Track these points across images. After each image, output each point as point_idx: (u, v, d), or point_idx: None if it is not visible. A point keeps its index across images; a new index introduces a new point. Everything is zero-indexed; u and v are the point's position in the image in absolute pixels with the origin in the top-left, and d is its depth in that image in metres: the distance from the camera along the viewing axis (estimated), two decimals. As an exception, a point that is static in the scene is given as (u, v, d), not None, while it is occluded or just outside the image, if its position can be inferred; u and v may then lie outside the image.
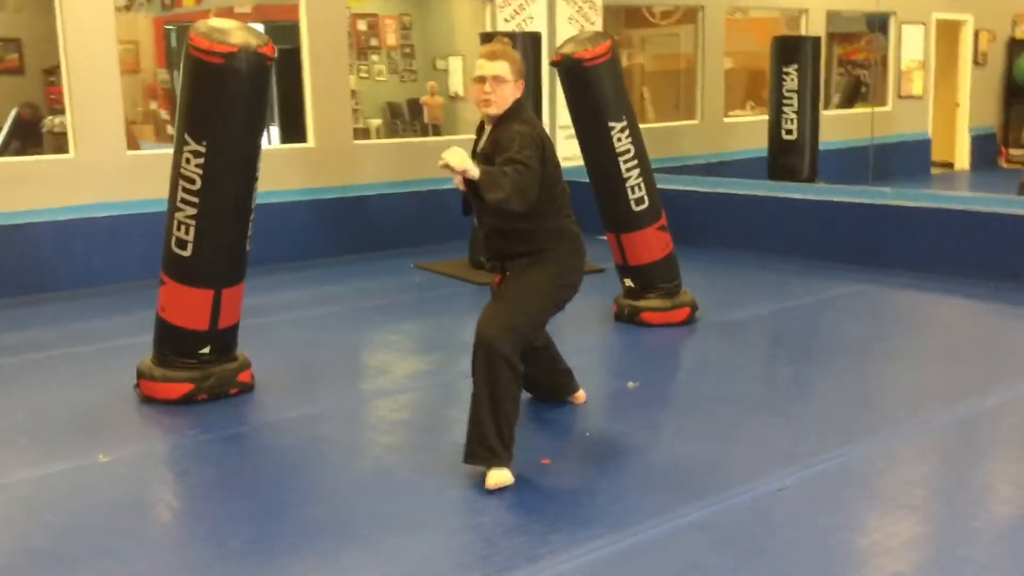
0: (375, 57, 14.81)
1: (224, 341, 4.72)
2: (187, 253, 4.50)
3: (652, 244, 5.92)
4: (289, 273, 7.54)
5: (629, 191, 5.79)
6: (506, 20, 9.20)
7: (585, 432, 4.31)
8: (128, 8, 12.09)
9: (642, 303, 5.97)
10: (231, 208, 4.50)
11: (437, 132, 12.99)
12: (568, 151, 8.11)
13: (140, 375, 4.70)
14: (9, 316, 6.35)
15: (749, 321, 6.19)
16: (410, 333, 6.22)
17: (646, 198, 5.83)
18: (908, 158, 12.77)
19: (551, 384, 4.44)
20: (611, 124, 5.69)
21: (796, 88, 9.75)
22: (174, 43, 12.41)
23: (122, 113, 7.38)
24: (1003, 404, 4.49)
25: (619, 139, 5.72)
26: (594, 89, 5.66)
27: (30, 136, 10.24)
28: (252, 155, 4.47)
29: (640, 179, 5.80)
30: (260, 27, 6.98)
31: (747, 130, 11.21)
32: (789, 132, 9.87)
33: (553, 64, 5.86)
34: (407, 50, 14.79)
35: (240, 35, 4.30)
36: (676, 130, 11.20)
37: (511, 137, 3.53)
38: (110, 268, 7.15)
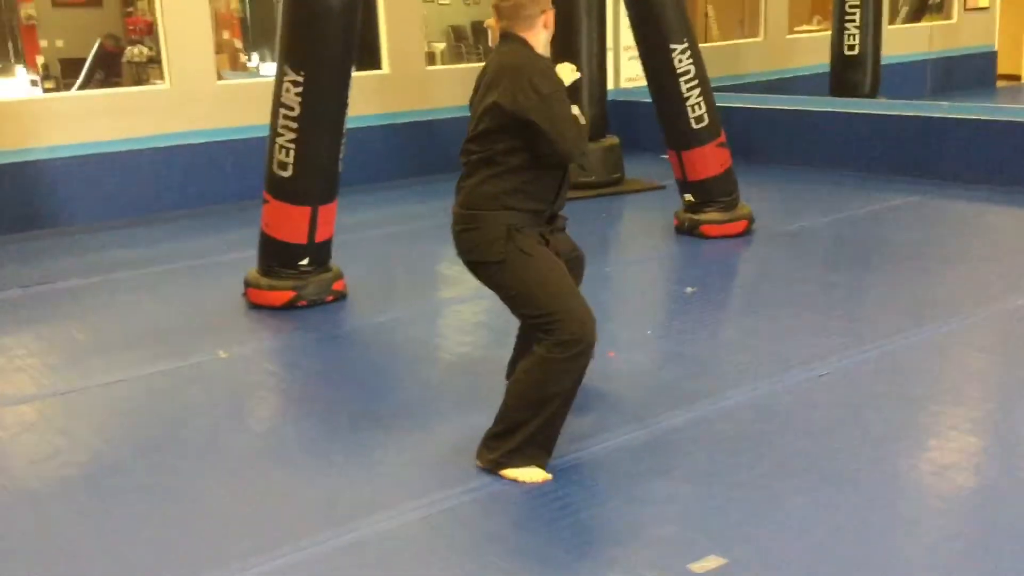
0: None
1: (321, 253, 5.24)
2: (288, 174, 5.00)
3: (711, 160, 6.27)
4: (368, 194, 8.03)
5: (689, 110, 6.14)
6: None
7: (647, 331, 4.75)
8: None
9: (701, 216, 6.34)
10: (326, 132, 4.97)
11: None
12: (632, 72, 8.40)
13: (247, 284, 5.26)
14: (125, 235, 6.96)
15: (805, 231, 6.54)
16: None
17: (706, 116, 6.17)
18: (973, 71, 12.76)
19: None
20: (672, 46, 6.02)
21: (858, 3, 9.85)
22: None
23: (212, 44, 7.86)
24: (1039, 303, 4.83)
25: (680, 60, 6.05)
26: (656, 12, 5.98)
27: (112, 67, 10.69)
28: (344, 83, 4.92)
29: (700, 98, 6.13)
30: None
31: (811, 46, 11.33)
32: (851, 48, 10.01)
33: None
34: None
35: (334, -29, 4.72)
36: (739, 48, 11.37)
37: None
38: (209, 190, 7.71)
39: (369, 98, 8.41)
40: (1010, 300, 4.87)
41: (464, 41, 14.61)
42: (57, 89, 10.07)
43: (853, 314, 4.89)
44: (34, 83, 10.71)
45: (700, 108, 6.14)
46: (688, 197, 6.43)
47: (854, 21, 9.92)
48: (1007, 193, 7.10)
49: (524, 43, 3.20)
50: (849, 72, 10.02)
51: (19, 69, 11.21)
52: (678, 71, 6.06)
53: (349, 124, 5.11)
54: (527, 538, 2.91)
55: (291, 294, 5.14)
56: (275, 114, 4.95)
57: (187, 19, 7.56)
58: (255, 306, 5.19)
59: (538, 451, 3.20)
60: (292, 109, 4.87)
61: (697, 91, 6.12)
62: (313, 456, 3.53)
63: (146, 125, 7.53)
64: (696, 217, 6.36)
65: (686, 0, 6.20)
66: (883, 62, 10.29)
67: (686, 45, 6.03)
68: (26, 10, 11.59)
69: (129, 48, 10.60)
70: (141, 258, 6.35)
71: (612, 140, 8.11)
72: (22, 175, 7.11)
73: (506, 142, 3.16)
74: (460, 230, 3.27)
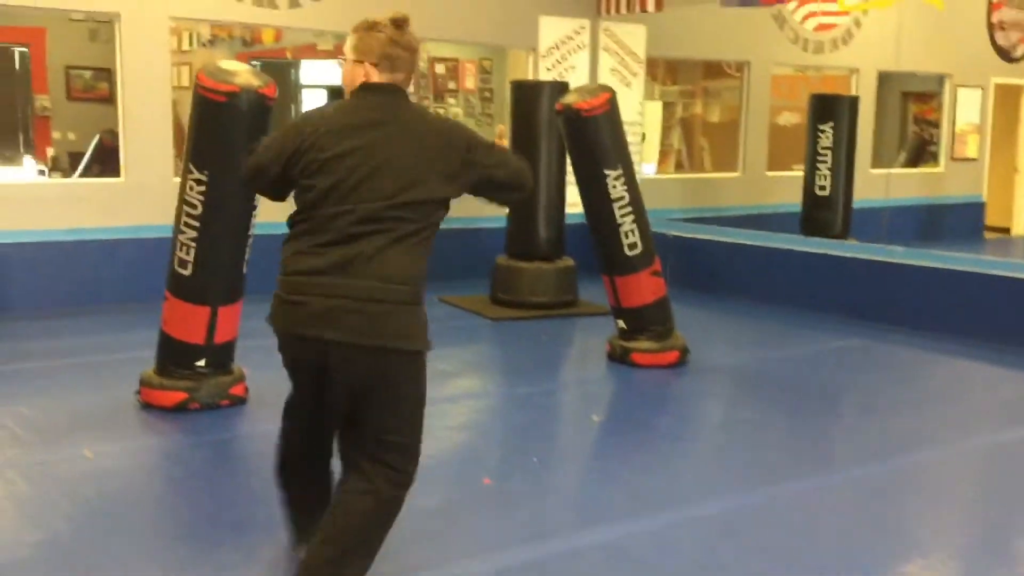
0: (452, 100, 15.33)
1: (220, 355, 5.11)
2: (187, 272, 4.91)
3: (644, 288, 6.16)
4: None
5: (623, 236, 6.05)
6: (548, 69, 9.57)
7: (534, 458, 4.55)
8: (211, 43, 12.82)
9: (633, 344, 6.19)
10: (229, 232, 4.90)
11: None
12: (571, 197, 8.39)
13: (142, 382, 5.12)
14: (55, 325, 6.88)
15: (739, 366, 6.37)
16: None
17: (639, 243, 6.08)
18: (962, 220, 12.71)
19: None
20: (606, 171, 5.98)
21: (831, 145, 9.88)
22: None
23: (171, 141, 7.93)
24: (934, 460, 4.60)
25: (614, 186, 6.00)
26: (591, 138, 5.96)
27: (109, 161, 10.89)
28: (250, 185, 4.86)
29: (634, 225, 6.06)
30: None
31: (789, 184, 11.34)
32: (822, 188, 10.00)
33: (556, 113, 6.18)
34: (487, 94, 15.26)
35: (244, 77, 4.73)
36: (718, 181, 11.43)
37: None
38: (153, 284, 7.64)
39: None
40: (914, 453, 4.65)
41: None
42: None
43: (747, 456, 4.66)
44: (41, 172, 10.89)
45: (633, 235, 6.06)
46: (621, 324, 6.29)
47: (826, 163, 9.93)
48: (953, 341, 6.90)
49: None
50: (820, 212, 9.99)
51: (26, 159, 11.41)
52: (612, 197, 6.01)
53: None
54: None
55: (183, 396, 4.99)
56: (179, 211, 4.90)
57: (147, 119, 7.65)
58: (147, 406, 5.04)
59: None
60: (195, 207, 4.82)
61: (631, 217, 6.05)
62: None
63: (96, 216, 7.55)
64: (628, 345, 6.21)
65: (621, 129, 6.14)
66: (872, 206, 10.28)
67: (620, 172, 5.99)
68: (42, 101, 11.90)
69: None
70: (60, 349, 6.25)
71: (567, 262, 8.04)
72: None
73: (440, 215, 2.80)
74: (390, 308, 2.66)
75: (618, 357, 6.25)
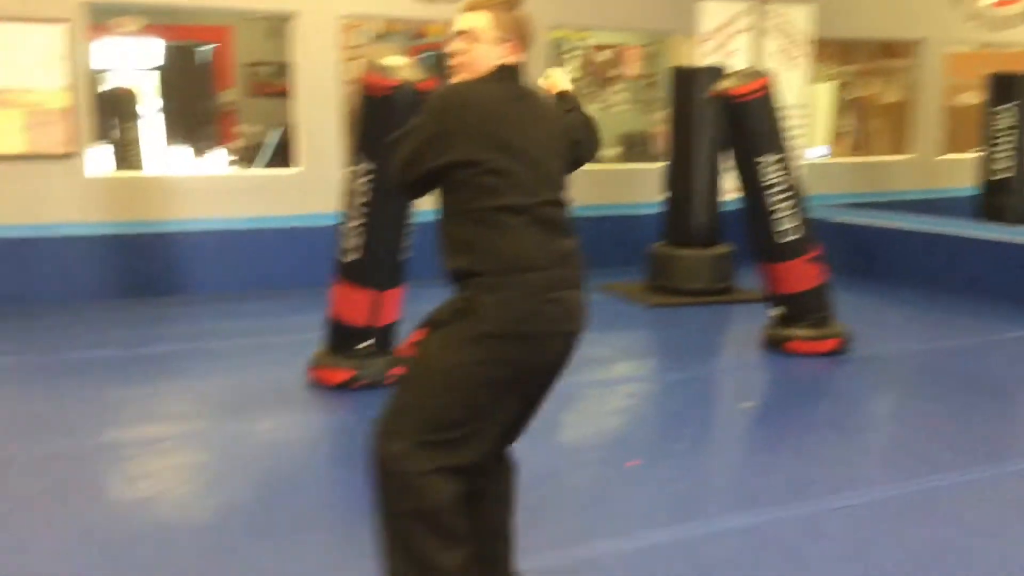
0: (616, 87, 15.35)
1: (384, 337, 5.39)
2: (353, 258, 5.20)
3: (802, 274, 6.08)
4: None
5: (779, 222, 6.00)
6: (709, 54, 9.48)
7: (683, 442, 4.60)
8: (382, 39, 13.31)
9: (789, 331, 6.13)
10: (393, 220, 5.16)
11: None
12: (728, 182, 8.31)
13: (312, 362, 5.46)
14: (235, 308, 7.39)
15: (904, 356, 6.20)
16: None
17: (797, 230, 6.01)
18: None
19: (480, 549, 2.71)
20: (763, 157, 5.93)
21: (1013, 126, 9.40)
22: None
23: (343, 133, 8.32)
24: None
25: (770, 172, 5.94)
26: (746, 124, 5.93)
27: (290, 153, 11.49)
28: (411, 175, 5.10)
29: (791, 211, 5.99)
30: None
31: (966, 167, 10.85)
32: (1001, 171, 9.52)
33: (709, 99, 6.17)
34: (650, 80, 15.20)
35: (405, 72, 4.97)
36: (890, 164, 11.05)
37: None
38: (324, 271, 8.07)
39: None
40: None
41: (636, 147, 14.82)
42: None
43: (908, 447, 4.57)
44: (227, 164, 11.62)
45: (790, 222, 5.99)
46: (777, 311, 6.23)
47: (1006, 145, 9.45)
48: None
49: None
50: (998, 196, 9.51)
51: (214, 152, 12.18)
52: (767, 183, 5.95)
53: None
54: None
55: (350, 374, 5.30)
56: (346, 200, 5.19)
57: (321, 112, 8.07)
58: (317, 384, 5.37)
59: None
60: (361, 197, 5.10)
61: (788, 204, 5.98)
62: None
63: (276, 206, 8.02)
64: (783, 332, 6.15)
65: (777, 115, 6.06)
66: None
67: (776, 157, 5.93)
68: (228, 96, 12.67)
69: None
70: (240, 330, 6.70)
71: (724, 249, 7.99)
72: (155, 245, 7.70)
73: None
74: (584, 301, 2.68)
75: (773, 344, 6.20)
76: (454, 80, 2.67)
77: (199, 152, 11.83)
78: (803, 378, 5.74)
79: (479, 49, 2.64)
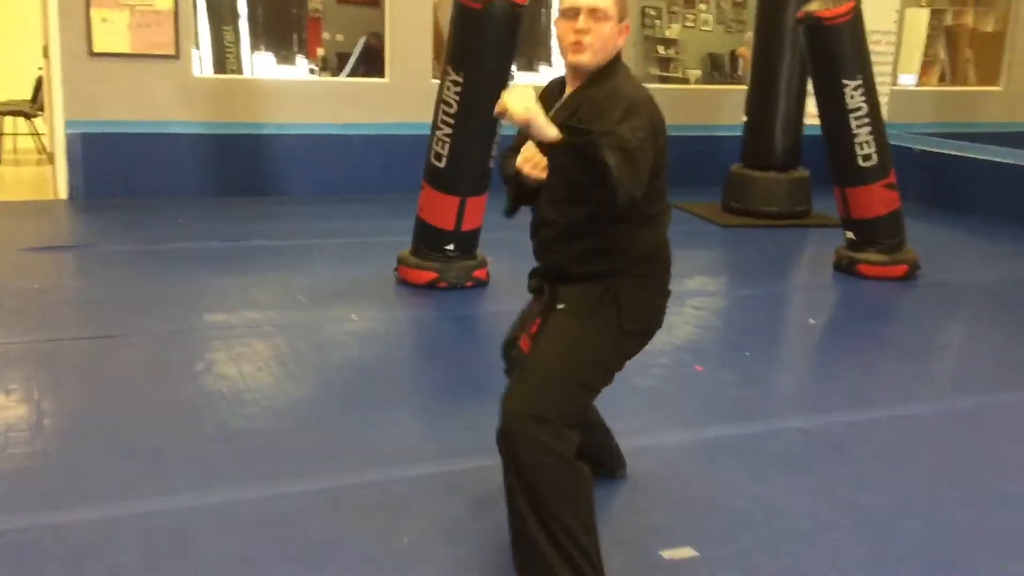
0: (703, 6, 15.17)
1: (467, 241, 5.67)
2: (441, 165, 5.47)
3: (876, 199, 6.18)
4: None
5: (858, 147, 6.09)
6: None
7: (746, 352, 4.82)
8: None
9: (861, 255, 6.26)
10: (480, 130, 5.40)
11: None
12: (810, 108, 8.34)
13: (399, 262, 5.78)
14: (324, 210, 7.74)
15: (973, 284, 6.30)
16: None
17: (875, 155, 6.10)
18: None
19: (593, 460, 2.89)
20: (845, 81, 6.00)
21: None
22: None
23: (431, 45, 8.53)
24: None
25: (852, 96, 6.02)
26: (831, 47, 5.99)
27: (374, 63, 11.73)
28: (500, 86, 5.30)
29: (870, 136, 6.07)
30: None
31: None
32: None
33: (797, 21, 6.23)
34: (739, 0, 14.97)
35: (499, -15, 5.15)
36: (976, 95, 10.89)
37: (613, 102, 2.40)
38: (412, 177, 8.37)
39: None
40: None
41: (720, 69, 14.69)
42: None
43: (969, 368, 4.74)
44: (312, 71, 11.88)
45: (869, 147, 6.08)
46: (849, 235, 6.36)
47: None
48: None
49: None
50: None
51: (299, 58, 12.44)
52: (849, 108, 6.03)
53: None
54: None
55: (434, 275, 5.61)
56: (436, 109, 5.44)
57: (410, 24, 8.27)
58: (403, 282, 5.70)
59: None
60: (451, 106, 5.34)
61: (867, 129, 6.06)
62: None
63: (364, 114, 8.31)
64: (855, 255, 6.29)
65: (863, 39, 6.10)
66: None
67: (860, 82, 6.00)
68: (314, 4, 12.87)
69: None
70: (331, 231, 7.06)
71: (802, 173, 8.07)
72: (251, 146, 8.06)
73: None
74: None
75: (845, 268, 6.34)
76: (577, 60, 2.49)
77: (282, 60, 12.08)
78: (871, 300, 5.89)
79: (608, 31, 2.49)
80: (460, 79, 5.27)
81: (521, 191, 2.60)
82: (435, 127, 5.47)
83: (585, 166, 2.20)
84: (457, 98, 5.31)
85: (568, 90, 2.59)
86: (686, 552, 2.88)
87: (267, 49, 11.86)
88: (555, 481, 2.43)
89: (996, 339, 5.19)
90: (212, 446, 3.50)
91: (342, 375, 4.32)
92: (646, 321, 2.65)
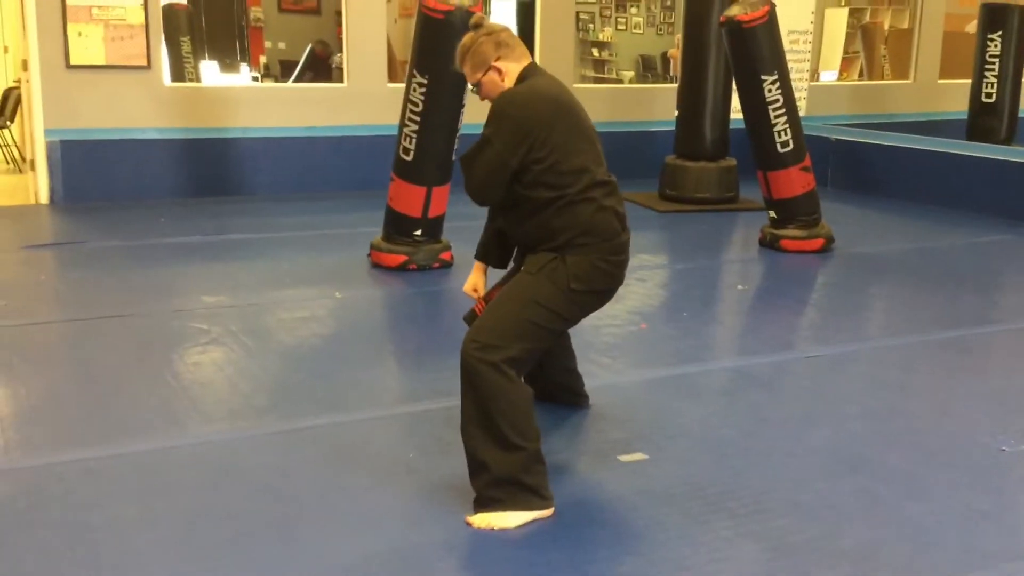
0: (634, 9, 15.89)
1: (433, 227, 6.32)
2: (409, 158, 6.11)
3: (794, 181, 6.97)
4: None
5: (776, 135, 6.87)
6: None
7: (684, 313, 5.55)
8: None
9: (782, 231, 7.04)
10: (443, 126, 6.05)
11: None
12: (735, 103, 9.13)
13: (372, 247, 6.41)
14: (292, 206, 8.33)
15: (880, 255, 7.12)
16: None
17: (791, 142, 6.88)
18: None
19: (554, 382, 3.87)
20: (764, 77, 6.78)
21: (999, 54, 10.17)
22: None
23: (385, 52, 9.16)
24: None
25: (769, 90, 6.79)
26: (750, 47, 6.77)
27: (320, 70, 12.18)
28: (461, 88, 5.98)
29: (787, 125, 6.85)
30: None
31: (962, 92, 11.62)
32: (989, 96, 10.32)
33: (720, 25, 6.99)
34: (668, 2, 15.72)
35: (459, -3, 5.82)
36: (889, 88, 11.84)
37: (490, 113, 3.16)
38: (370, 176, 8.99)
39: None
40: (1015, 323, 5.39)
41: (652, 71, 15.44)
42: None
43: (862, 318, 5.54)
44: (255, 79, 12.37)
45: (786, 134, 6.86)
46: (772, 214, 7.14)
47: (993, 71, 10.23)
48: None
49: None
50: (985, 119, 10.33)
51: (243, 66, 12.91)
52: (768, 100, 6.81)
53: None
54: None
55: (404, 258, 6.24)
56: (404, 108, 6.08)
57: (367, 33, 8.90)
58: (376, 266, 6.32)
59: None
60: (417, 105, 5.99)
61: (784, 118, 6.84)
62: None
63: (325, 117, 8.91)
64: (777, 232, 7.07)
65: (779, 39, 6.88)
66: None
67: (776, 77, 6.77)
68: (256, 13, 13.32)
69: (338, 55, 12.06)
70: (302, 224, 7.65)
71: (730, 162, 8.86)
72: (220, 149, 8.61)
73: None
74: None
75: (768, 243, 7.11)
76: (485, 101, 3.30)
77: (226, 68, 12.52)
78: (792, 270, 6.67)
79: (487, 80, 3.23)
80: (425, 81, 5.92)
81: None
82: (403, 124, 6.11)
83: None
84: (423, 98, 5.95)
85: None
86: (638, 456, 3.56)
87: (211, 58, 12.32)
88: (496, 388, 2.96)
89: (896, 298, 5.99)
90: (199, 392, 4.11)
91: (331, 336, 4.99)
92: (592, 282, 3.13)
